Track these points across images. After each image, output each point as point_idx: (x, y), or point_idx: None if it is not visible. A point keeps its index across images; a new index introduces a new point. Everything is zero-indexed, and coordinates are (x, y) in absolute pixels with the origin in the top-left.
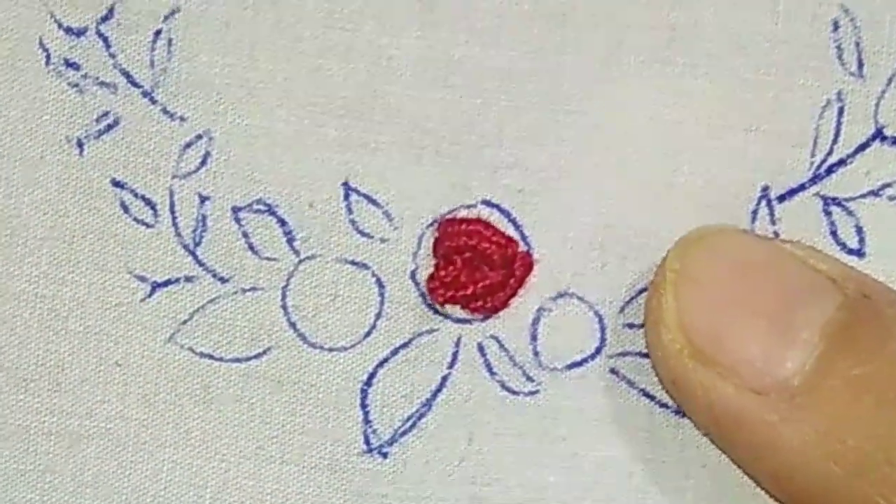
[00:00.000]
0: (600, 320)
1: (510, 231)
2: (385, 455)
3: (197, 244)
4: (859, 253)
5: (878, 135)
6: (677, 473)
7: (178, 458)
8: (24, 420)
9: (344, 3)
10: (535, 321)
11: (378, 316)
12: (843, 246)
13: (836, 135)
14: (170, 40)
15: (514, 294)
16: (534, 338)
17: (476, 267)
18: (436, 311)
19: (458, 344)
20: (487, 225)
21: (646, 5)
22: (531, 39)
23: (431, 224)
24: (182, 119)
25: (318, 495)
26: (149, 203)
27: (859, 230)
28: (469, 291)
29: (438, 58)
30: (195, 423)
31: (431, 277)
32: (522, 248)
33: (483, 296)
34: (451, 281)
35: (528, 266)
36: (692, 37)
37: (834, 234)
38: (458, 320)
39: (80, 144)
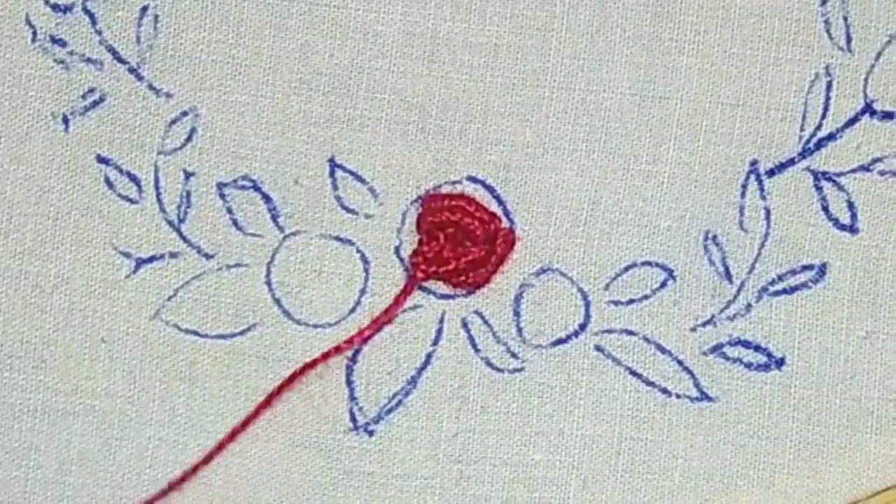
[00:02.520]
0: (584, 297)
1: (494, 207)
2: (371, 433)
3: (182, 220)
4: (852, 229)
5: (868, 109)
6: (664, 453)
7: (164, 435)
8: (9, 397)
9: None
10: (519, 297)
11: (363, 292)
12: (836, 221)
13: (825, 109)
14: (156, 17)
15: (496, 270)
16: (517, 314)
17: (459, 242)
18: (419, 287)
19: (441, 320)
20: (471, 200)
21: None
22: (517, 15)
23: (416, 200)
24: (168, 95)
25: (304, 473)
26: (134, 179)
27: (851, 205)
28: (452, 267)
29: (424, 34)
30: (181, 400)
31: (415, 253)
32: (505, 224)
33: (466, 271)
34: (434, 256)
35: (511, 242)
36: (678, 12)
37: (826, 209)
38: (442, 296)
39: (65, 121)
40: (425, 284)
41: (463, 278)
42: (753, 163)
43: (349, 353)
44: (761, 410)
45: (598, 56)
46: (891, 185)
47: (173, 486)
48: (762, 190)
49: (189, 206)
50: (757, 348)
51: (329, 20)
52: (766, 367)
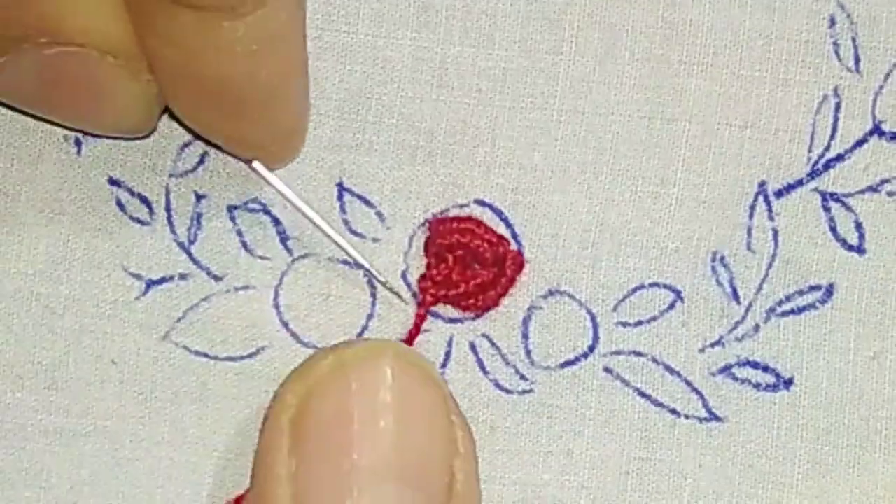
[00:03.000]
0: (592, 318)
1: (502, 230)
2: None
3: (192, 242)
4: (859, 249)
5: (876, 130)
6: (673, 473)
7: (175, 456)
8: (21, 418)
9: (340, 5)
10: (527, 319)
11: (370, 316)
12: (843, 242)
13: (834, 130)
14: None
15: (505, 293)
16: (526, 336)
17: (467, 265)
18: (427, 311)
19: (450, 343)
20: (479, 223)
21: (640, 4)
22: (525, 39)
23: (423, 224)
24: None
25: None
26: (145, 201)
27: (859, 226)
28: (461, 290)
29: (433, 58)
30: (191, 421)
31: (423, 277)
32: (514, 246)
33: (474, 294)
34: (442, 280)
35: (520, 265)
36: (687, 34)
37: (833, 230)
38: (450, 320)
39: (77, 143)
40: (433, 309)
41: (472, 301)
42: (762, 184)
43: None
44: (770, 431)
45: (606, 79)
46: None
47: None
48: (770, 211)
49: (199, 228)
50: (765, 369)
51: (339, 45)
52: (774, 388)
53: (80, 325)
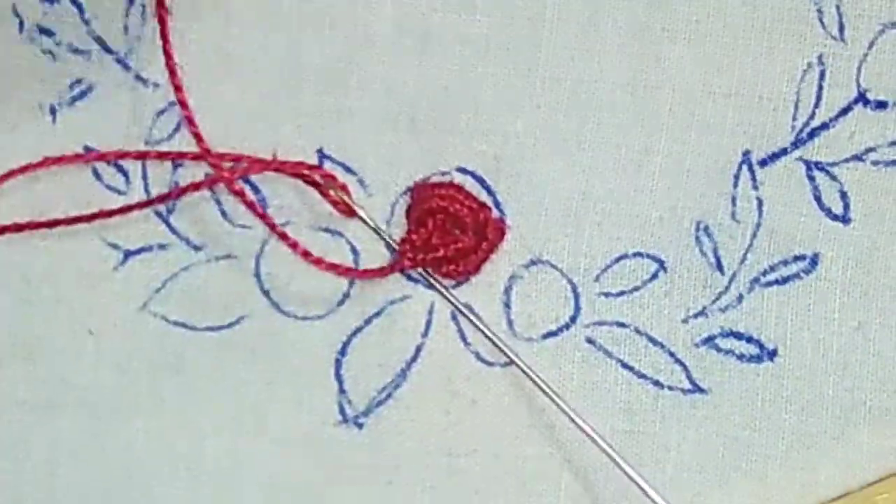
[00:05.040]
0: (574, 289)
1: (484, 198)
2: (360, 426)
3: (170, 212)
4: (844, 219)
5: (861, 98)
6: (656, 445)
7: (152, 428)
8: None
9: None
10: (508, 289)
11: (351, 284)
12: (828, 212)
13: (818, 99)
14: (144, 7)
15: (486, 258)
16: (507, 306)
17: (448, 230)
18: (408, 278)
19: (431, 311)
20: (461, 188)
21: None
22: (508, 6)
23: (405, 192)
24: (155, 86)
25: (293, 467)
26: (121, 170)
27: (843, 195)
28: (441, 254)
29: (414, 26)
30: (169, 393)
31: (403, 241)
32: (496, 214)
33: (455, 259)
34: (422, 244)
35: (501, 232)
36: (670, 2)
37: (818, 199)
38: (431, 286)
39: (52, 111)
40: (413, 275)
41: (452, 266)
42: (746, 153)
43: (338, 346)
44: (754, 402)
45: (589, 47)
46: (884, 175)
47: None
48: (754, 180)
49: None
50: (749, 340)
51: (320, 12)
52: (758, 359)
53: (57, 296)
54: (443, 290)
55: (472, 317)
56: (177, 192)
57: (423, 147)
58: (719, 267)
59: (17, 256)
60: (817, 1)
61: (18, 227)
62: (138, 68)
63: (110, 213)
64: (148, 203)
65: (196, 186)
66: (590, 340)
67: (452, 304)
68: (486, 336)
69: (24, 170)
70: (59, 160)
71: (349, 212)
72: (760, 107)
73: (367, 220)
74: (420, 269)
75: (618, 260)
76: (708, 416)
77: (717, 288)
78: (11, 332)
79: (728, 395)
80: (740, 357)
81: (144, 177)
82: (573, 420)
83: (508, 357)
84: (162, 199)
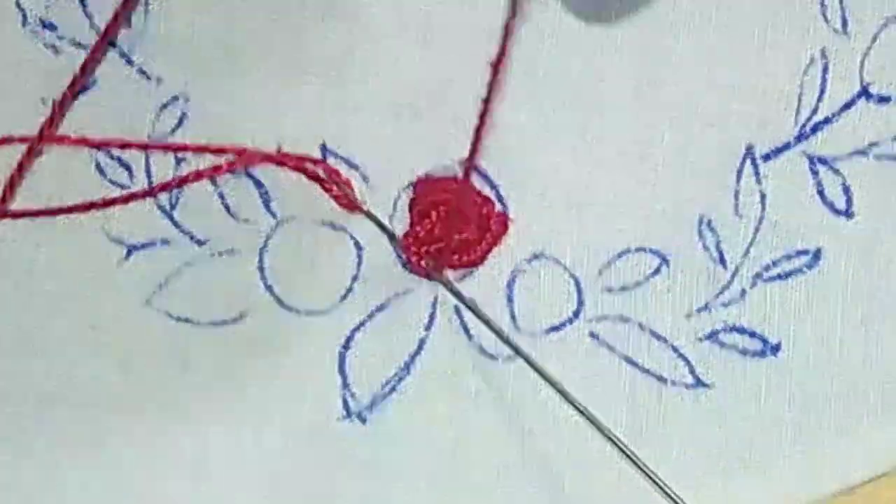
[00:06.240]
0: (577, 283)
1: (487, 191)
2: (364, 420)
3: (173, 206)
4: (847, 213)
5: (864, 93)
6: (659, 440)
7: (155, 423)
8: None
9: None
10: (511, 283)
11: (355, 278)
12: (831, 206)
13: (821, 93)
14: (147, 1)
15: (489, 251)
16: (510, 300)
17: (451, 223)
18: (411, 271)
19: (434, 305)
20: (464, 183)
21: None
22: None
23: (408, 186)
24: (158, 80)
25: (297, 462)
26: (124, 165)
27: (846, 190)
28: (444, 245)
29: (417, 17)
30: (172, 388)
31: (406, 234)
32: (499, 208)
33: (458, 250)
34: (425, 235)
35: (504, 225)
36: None
37: (821, 193)
38: (434, 279)
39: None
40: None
41: (456, 258)
42: (749, 147)
43: (341, 341)
44: (757, 397)
45: (592, 39)
46: (887, 169)
47: None
48: (757, 174)
49: (181, 191)
50: (752, 334)
51: (322, 5)
52: (761, 354)
53: (60, 290)
54: (446, 284)
55: (476, 310)
56: (178, 181)
57: (426, 140)
58: (722, 261)
59: (20, 251)
60: None
61: (16, 215)
62: (141, 62)
63: (111, 202)
64: (150, 192)
65: (199, 175)
66: (593, 335)
67: (456, 297)
68: (491, 329)
69: (23, 140)
70: (61, 139)
71: (352, 206)
72: (763, 101)
73: (371, 215)
74: (424, 262)
75: (620, 255)
76: (711, 411)
77: (720, 282)
78: (13, 326)
79: (731, 389)
80: (743, 352)
81: (148, 172)
82: (580, 411)
83: (513, 350)
84: (164, 187)
